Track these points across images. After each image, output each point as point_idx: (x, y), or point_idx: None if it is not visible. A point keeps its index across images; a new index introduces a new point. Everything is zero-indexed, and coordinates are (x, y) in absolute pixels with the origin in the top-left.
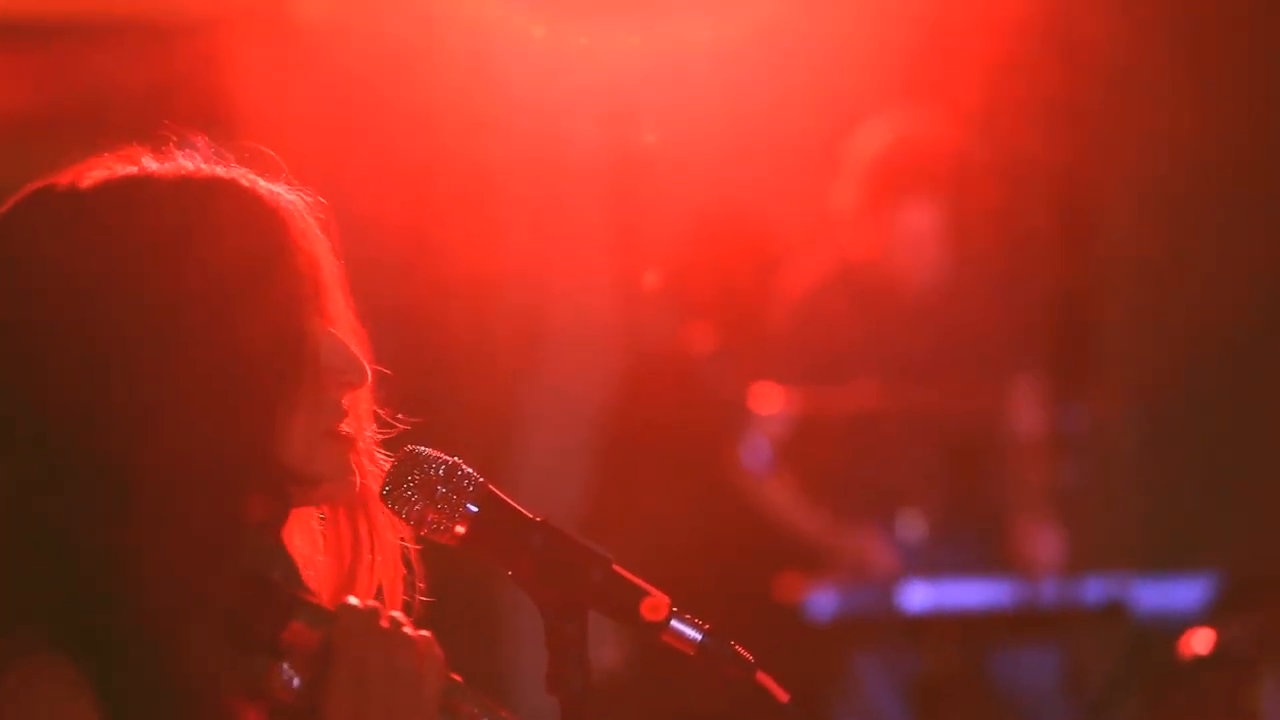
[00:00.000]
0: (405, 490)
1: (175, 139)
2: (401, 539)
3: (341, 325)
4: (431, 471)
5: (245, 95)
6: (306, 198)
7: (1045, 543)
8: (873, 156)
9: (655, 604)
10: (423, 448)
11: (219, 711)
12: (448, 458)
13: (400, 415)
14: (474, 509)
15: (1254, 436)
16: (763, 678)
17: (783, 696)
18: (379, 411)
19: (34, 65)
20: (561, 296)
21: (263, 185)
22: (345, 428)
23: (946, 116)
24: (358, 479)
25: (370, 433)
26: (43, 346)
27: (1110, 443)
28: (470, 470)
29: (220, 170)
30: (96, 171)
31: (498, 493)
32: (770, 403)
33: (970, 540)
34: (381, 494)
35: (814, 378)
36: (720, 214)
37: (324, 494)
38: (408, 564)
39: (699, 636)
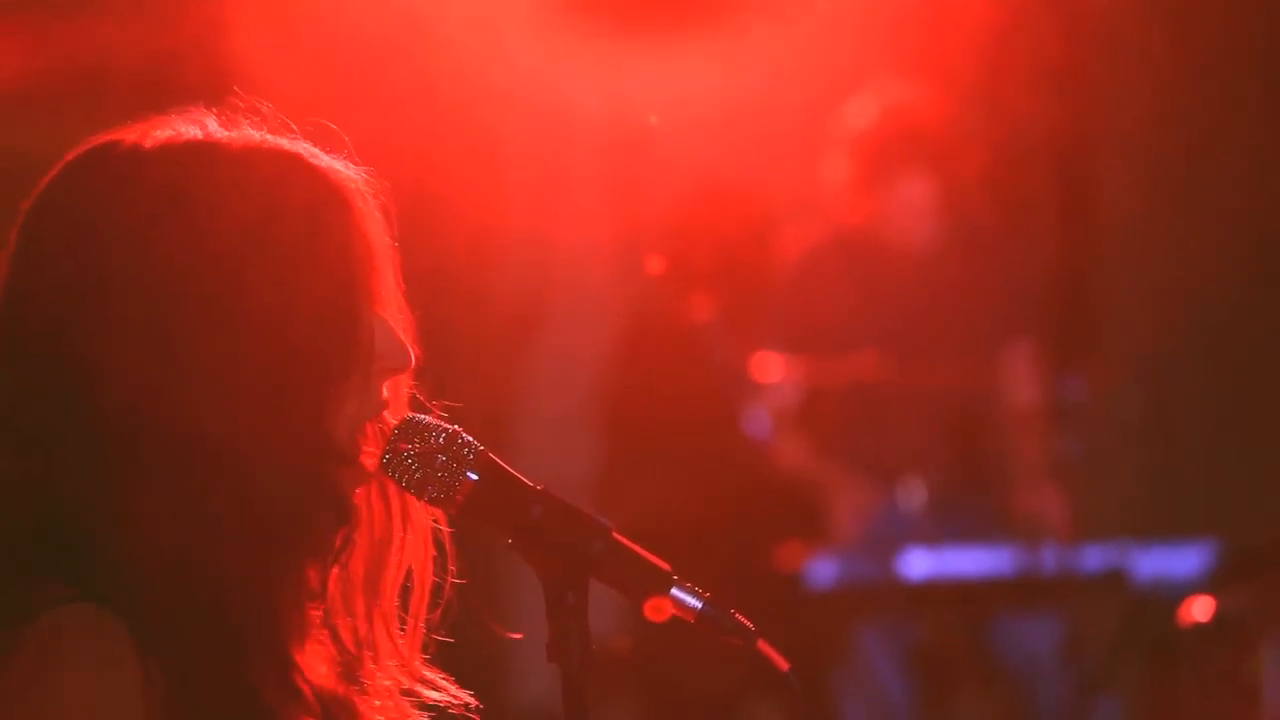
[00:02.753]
0: (405, 458)
1: (243, 106)
2: (434, 520)
3: (390, 309)
4: (431, 439)
5: (247, 60)
6: (366, 176)
7: (1046, 510)
8: (861, 128)
9: (656, 575)
10: (423, 416)
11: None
12: (448, 425)
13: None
14: (474, 477)
15: (1253, 405)
16: (763, 646)
17: (783, 664)
18: (416, 396)
19: (33, 29)
20: (563, 264)
21: (326, 161)
22: (383, 417)
23: (934, 86)
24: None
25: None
26: (95, 311)
27: (1110, 411)
28: (470, 438)
29: (287, 143)
30: (160, 132)
31: (498, 461)
32: (771, 372)
33: (970, 508)
34: (381, 462)
35: (810, 344)
36: (720, 181)
37: (350, 483)
38: (439, 545)
39: (699, 605)
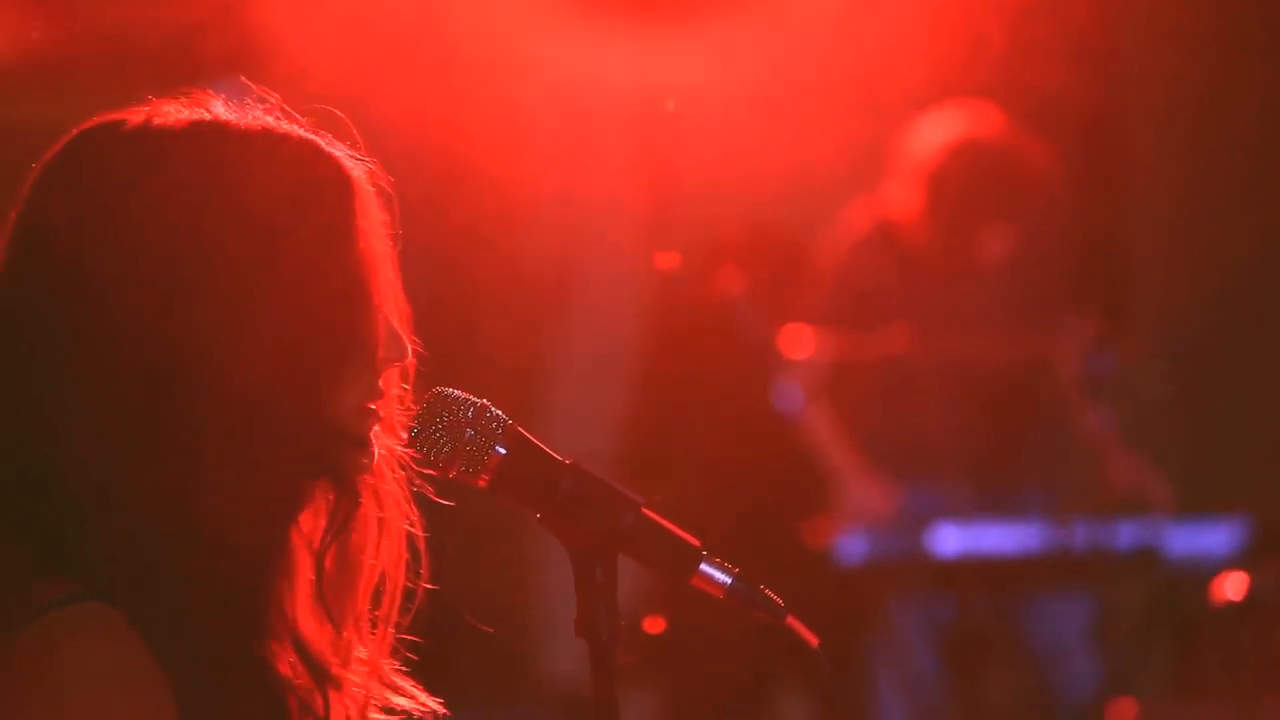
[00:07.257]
0: (434, 432)
1: (252, 92)
2: (409, 525)
3: (388, 302)
4: (460, 414)
5: (275, 30)
6: (370, 167)
7: (1142, 482)
8: (942, 164)
9: (685, 551)
10: (451, 390)
11: (264, 675)
12: (476, 400)
13: (430, 356)
14: (503, 451)
15: None
16: (792, 621)
17: (812, 640)
18: (407, 390)
19: (54, 4)
20: (592, 232)
21: (339, 151)
22: (376, 405)
23: (1023, 125)
24: (374, 457)
25: (396, 412)
26: (107, 289)
27: (1141, 387)
28: (499, 412)
29: (299, 129)
30: (168, 111)
31: (527, 435)
32: (802, 346)
33: (1002, 485)
34: (410, 436)
35: (846, 320)
36: (750, 155)
37: (352, 464)
38: (414, 551)
39: (728, 580)
